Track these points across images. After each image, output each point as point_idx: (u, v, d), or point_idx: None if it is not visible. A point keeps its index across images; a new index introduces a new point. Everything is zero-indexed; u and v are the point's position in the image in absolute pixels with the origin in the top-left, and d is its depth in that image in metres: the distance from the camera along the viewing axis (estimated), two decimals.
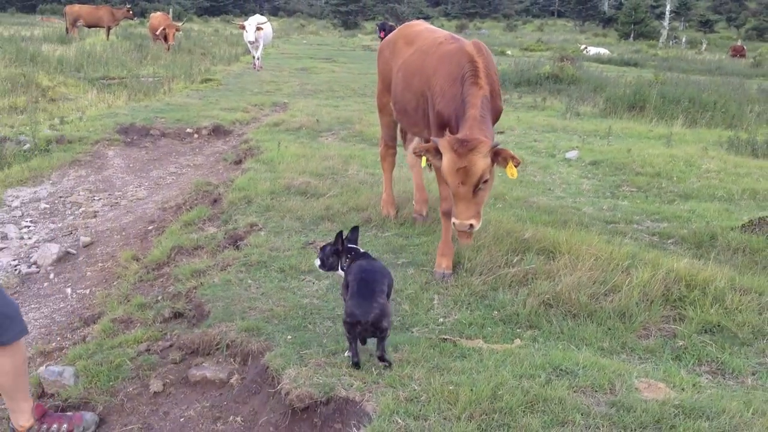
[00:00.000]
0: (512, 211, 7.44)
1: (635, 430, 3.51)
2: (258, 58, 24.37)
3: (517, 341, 4.69)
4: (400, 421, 3.53)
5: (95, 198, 9.86)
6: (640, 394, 3.84)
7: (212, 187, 9.26)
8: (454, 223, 5.11)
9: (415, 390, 3.82)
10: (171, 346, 4.94)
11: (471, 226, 5.04)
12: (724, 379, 4.36)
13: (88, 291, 6.69)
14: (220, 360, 4.66)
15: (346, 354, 4.24)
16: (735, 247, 6.47)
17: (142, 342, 5.07)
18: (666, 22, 59.13)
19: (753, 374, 4.40)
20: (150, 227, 8.20)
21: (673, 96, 16.12)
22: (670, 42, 55.43)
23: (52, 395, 4.59)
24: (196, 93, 17.68)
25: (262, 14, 39.13)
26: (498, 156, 5.01)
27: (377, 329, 4.01)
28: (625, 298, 5.10)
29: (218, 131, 13.41)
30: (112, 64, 21.66)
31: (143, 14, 53.13)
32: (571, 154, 11.30)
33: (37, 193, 10.09)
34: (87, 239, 8.01)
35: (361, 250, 4.53)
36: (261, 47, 24.47)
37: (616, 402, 3.75)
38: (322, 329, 4.78)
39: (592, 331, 4.82)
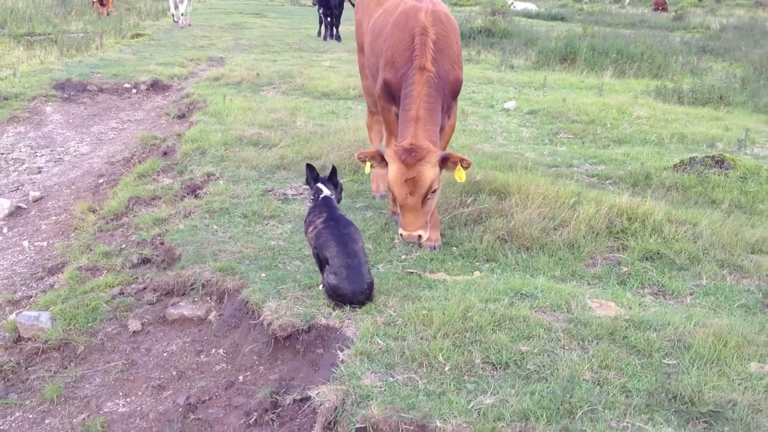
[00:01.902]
0: None
1: (592, 340, 3.87)
2: (184, 15, 23.15)
3: (477, 273, 5.01)
4: (380, 341, 3.81)
5: (38, 154, 9.79)
6: (593, 312, 4.21)
7: (159, 140, 9.29)
8: (401, 235, 4.95)
9: (391, 315, 4.11)
10: (145, 288, 5.11)
11: (419, 237, 4.92)
12: (666, 299, 4.76)
13: (45, 243, 6.74)
14: (196, 299, 4.85)
15: (320, 288, 4.48)
16: (668, 185, 6.91)
17: (114, 286, 5.22)
18: None
19: (690, 294, 4.81)
20: (100, 180, 8.24)
21: (602, 48, 16.60)
22: None
23: (30, 339, 4.71)
24: (129, 48, 17.40)
25: None
26: (446, 162, 4.90)
27: (367, 301, 4.29)
28: (573, 231, 5.47)
29: (157, 86, 13.32)
30: (36, 20, 21.02)
31: None
32: (509, 105, 11.65)
33: None
34: (36, 194, 8.01)
35: (327, 194, 4.69)
36: (187, 1, 23.29)
37: (573, 319, 4.10)
38: (293, 268, 5.01)
39: (544, 261, 5.17)
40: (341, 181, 4.99)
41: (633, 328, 4.01)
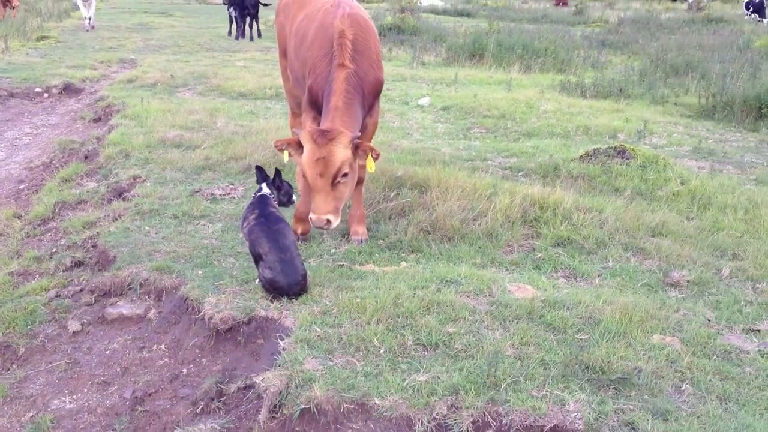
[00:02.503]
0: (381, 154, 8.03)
1: (512, 320, 4.23)
2: (90, 18, 22.48)
3: (404, 264, 5.31)
4: (318, 329, 4.08)
5: None
6: (512, 295, 4.57)
7: (78, 144, 9.29)
8: (310, 218, 4.96)
9: (326, 305, 4.38)
10: (82, 290, 5.22)
11: (328, 221, 4.89)
12: (577, 281, 5.18)
13: None
14: (134, 299, 5.00)
15: (256, 282, 4.70)
16: (575, 175, 7.37)
17: (49, 289, 5.31)
18: None
19: (599, 276, 5.24)
20: (21, 186, 8.20)
21: (508, 44, 17.22)
22: None
23: None
24: (36, 51, 17.10)
25: None
26: (357, 149, 4.99)
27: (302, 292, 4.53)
28: (490, 221, 5.84)
29: (69, 89, 13.20)
30: None
31: None
32: (423, 101, 12.04)
33: None
34: None
35: (265, 193, 4.90)
36: (94, 3, 22.66)
37: (495, 301, 4.46)
38: (228, 264, 5.21)
39: (465, 250, 5.52)
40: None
41: (548, 307, 4.40)
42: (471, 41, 17.66)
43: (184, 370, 4.30)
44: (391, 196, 6.39)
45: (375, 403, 3.47)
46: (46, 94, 12.93)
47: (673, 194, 6.92)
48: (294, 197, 4.86)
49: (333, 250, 5.58)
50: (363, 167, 5.61)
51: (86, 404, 4.16)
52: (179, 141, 8.43)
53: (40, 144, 10.15)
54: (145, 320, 4.84)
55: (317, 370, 3.69)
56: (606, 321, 4.23)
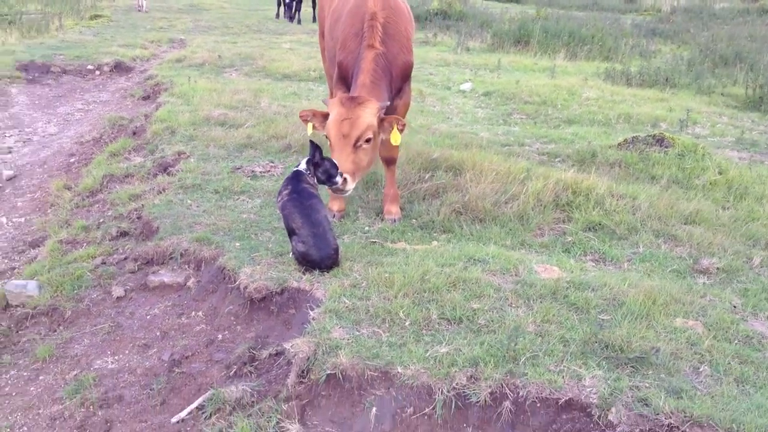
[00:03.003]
0: (418, 137, 8.17)
1: (536, 299, 4.34)
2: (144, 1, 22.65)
3: (435, 243, 5.45)
4: (347, 301, 4.24)
5: (6, 135, 10.00)
6: (538, 275, 4.68)
7: (126, 120, 9.59)
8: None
9: (356, 278, 4.54)
10: (126, 258, 5.47)
11: (345, 180, 4.96)
12: (605, 265, 5.26)
13: (23, 219, 7.02)
14: (175, 267, 5.23)
15: (290, 255, 4.88)
16: (612, 162, 7.42)
17: (96, 257, 5.58)
18: None
19: (628, 261, 5.31)
20: (72, 159, 8.52)
21: (554, 31, 17.15)
22: None
23: (18, 306, 5.06)
24: (89, 30, 17.52)
25: None
26: (383, 122, 5.12)
27: (334, 266, 4.70)
28: (522, 204, 5.94)
29: (120, 68, 13.55)
30: None
31: None
32: (465, 86, 12.11)
33: None
34: (10, 172, 8.27)
35: (300, 169, 5.01)
36: None
37: (520, 281, 4.58)
38: (264, 238, 5.40)
39: (496, 232, 5.63)
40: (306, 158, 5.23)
41: (573, 288, 4.49)
42: (517, 27, 17.63)
43: (220, 336, 4.50)
44: (426, 177, 6.52)
45: (397, 372, 3.62)
46: (97, 72, 13.30)
47: (710, 183, 6.93)
48: (338, 178, 4.96)
49: (367, 228, 5.74)
50: (395, 147, 5.77)
51: (127, 365, 4.40)
52: (223, 119, 8.66)
53: (91, 120, 10.48)
54: (185, 288, 5.06)
55: (344, 339, 3.85)
56: (629, 303, 4.31)
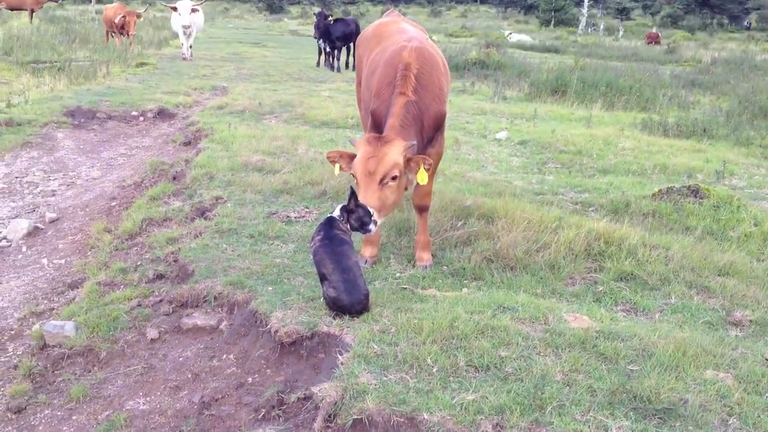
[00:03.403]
0: (452, 184, 8.25)
1: (565, 348, 4.35)
2: (189, 47, 22.82)
3: (465, 290, 5.49)
4: (375, 347, 4.29)
5: (51, 178, 10.28)
6: (568, 324, 4.69)
7: (167, 166, 9.79)
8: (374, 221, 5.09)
9: (385, 324, 4.59)
10: (161, 300, 5.58)
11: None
12: (636, 315, 5.25)
13: (63, 261, 7.20)
14: (208, 310, 5.33)
15: (321, 300, 4.95)
16: (646, 212, 7.42)
17: (132, 299, 5.70)
18: (585, 10, 61.08)
19: (660, 312, 5.29)
20: (113, 203, 8.72)
21: (592, 81, 17.23)
22: (589, 29, 57.43)
23: (55, 346, 5.18)
24: (135, 77, 17.98)
25: None
26: (410, 162, 5.18)
27: (364, 311, 4.77)
28: (554, 253, 5.97)
29: (163, 114, 13.86)
30: (41, 47, 21.58)
31: None
32: (501, 135, 12.20)
33: None
34: (53, 215, 8.49)
35: (334, 215, 5.09)
36: (194, 33, 23.10)
37: (549, 329, 4.58)
38: (297, 283, 5.49)
39: (527, 280, 5.66)
40: (342, 204, 5.31)
41: (603, 338, 4.49)
42: (554, 77, 17.73)
43: (250, 379, 4.56)
44: (459, 225, 6.58)
45: (423, 418, 3.64)
46: (141, 118, 13.62)
47: (745, 235, 6.89)
48: (371, 227, 5.01)
49: (398, 274, 5.80)
50: (428, 195, 5.85)
51: (158, 406, 4.47)
52: (261, 165, 8.83)
53: (133, 164, 10.74)
54: (217, 331, 5.15)
55: (371, 384, 3.89)
56: (659, 354, 4.30)
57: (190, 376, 4.72)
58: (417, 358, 4.15)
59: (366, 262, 5.94)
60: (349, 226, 5.00)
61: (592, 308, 5.17)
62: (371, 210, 4.98)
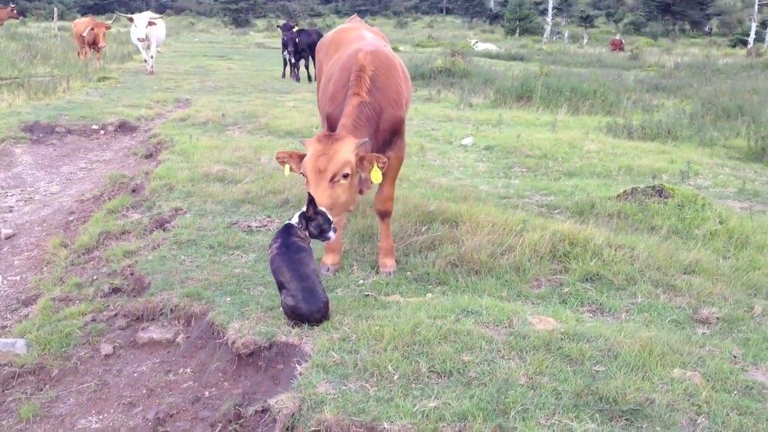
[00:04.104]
0: (417, 190, 8.15)
1: (529, 350, 4.25)
2: (151, 59, 22.53)
3: (429, 295, 5.38)
4: (335, 355, 4.15)
5: (8, 194, 10.03)
6: (533, 327, 4.59)
7: (127, 179, 9.59)
8: (333, 227, 4.93)
9: (346, 332, 4.46)
10: (116, 315, 5.39)
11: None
12: (603, 316, 5.17)
13: (18, 277, 6.98)
14: (165, 323, 5.15)
15: (280, 309, 4.80)
16: (611, 213, 7.36)
17: (86, 314, 5.49)
18: (549, 18, 61.70)
19: (626, 311, 5.22)
20: (71, 218, 8.51)
21: (557, 87, 17.26)
22: (554, 37, 57.90)
23: (6, 364, 4.97)
24: (96, 91, 17.72)
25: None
26: (363, 160, 4.99)
27: (323, 319, 4.63)
28: (518, 255, 5.88)
29: (124, 127, 13.63)
30: (1, 64, 21.23)
31: (23, 14, 50.94)
32: (467, 141, 12.14)
33: None
34: (9, 231, 8.25)
35: (291, 222, 4.93)
36: (153, 46, 22.72)
37: (514, 332, 4.48)
38: (257, 293, 5.34)
39: (492, 284, 5.56)
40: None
41: (568, 339, 4.40)
42: (519, 84, 17.75)
43: (206, 393, 4.40)
44: (423, 230, 6.48)
45: (384, 427, 3.52)
46: (102, 131, 13.38)
47: (711, 233, 6.86)
48: (330, 233, 4.90)
49: (361, 281, 5.67)
50: (389, 200, 5.74)
51: (111, 424, 4.29)
52: (222, 175, 8.67)
53: (93, 178, 10.51)
54: (174, 344, 4.98)
55: (330, 394, 3.76)
56: (625, 353, 4.22)
57: (145, 391, 4.54)
58: (378, 366, 4.02)
59: (328, 270, 5.82)
60: (308, 233, 4.87)
61: (558, 310, 5.09)
62: (322, 208, 4.82)
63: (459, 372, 4.00)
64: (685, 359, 4.32)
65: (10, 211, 9.28)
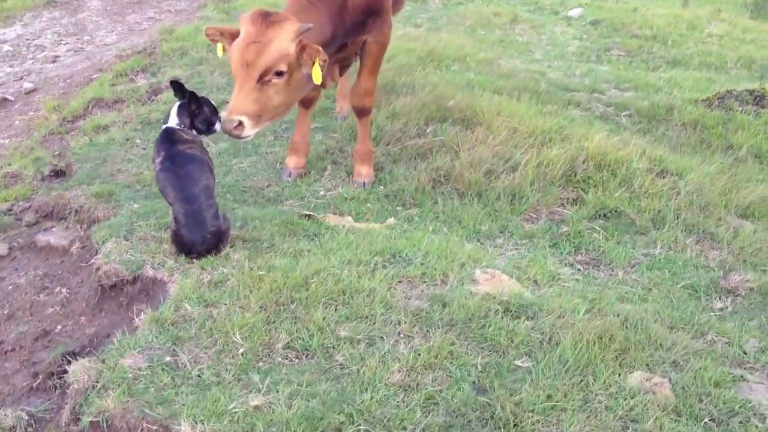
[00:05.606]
0: (463, 75, 6.85)
1: (439, 328, 3.11)
2: None
3: (390, 220, 4.32)
4: (188, 307, 3.22)
5: (62, 42, 9.56)
6: (472, 287, 3.44)
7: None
8: (220, 117, 3.96)
9: (223, 273, 3.49)
10: (30, 207, 4.69)
11: (240, 125, 3.77)
12: (596, 270, 3.96)
13: (8, 141, 6.45)
14: (69, 226, 4.39)
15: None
16: (686, 122, 5.87)
17: (9, 200, 4.84)
18: None
19: (630, 267, 3.99)
20: (95, 75, 7.85)
21: None
22: None
23: None
24: None
25: None
26: (304, 51, 3.81)
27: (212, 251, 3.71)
28: (521, 176, 4.61)
29: None
30: None
31: None
32: (575, 12, 10.46)
33: (5, 35, 9.81)
34: (30, 86, 7.75)
35: (171, 125, 3.90)
36: None
37: (436, 295, 3.34)
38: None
39: (474, 212, 4.40)
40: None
41: (502, 313, 3.23)
42: None
43: (59, 327, 3.64)
44: (427, 131, 5.28)
45: (179, 430, 2.61)
46: None
47: None
48: (217, 125, 3.89)
49: (322, 192, 4.69)
50: (370, 95, 4.64)
51: None
52: None
53: (153, 31, 9.79)
54: (68, 254, 4.21)
55: (135, 370, 2.85)
56: (567, 345, 3.03)
57: (6, 312, 3.84)
58: (225, 333, 3.06)
59: (290, 174, 4.84)
60: (194, 132, 3.87)
61: (537, 258, 3.91)
62: (241, 118, 3.75)
63: (324, 353, 2.98)
64: (658, 357, 3.08)
65: (54, 62, 8.80)
